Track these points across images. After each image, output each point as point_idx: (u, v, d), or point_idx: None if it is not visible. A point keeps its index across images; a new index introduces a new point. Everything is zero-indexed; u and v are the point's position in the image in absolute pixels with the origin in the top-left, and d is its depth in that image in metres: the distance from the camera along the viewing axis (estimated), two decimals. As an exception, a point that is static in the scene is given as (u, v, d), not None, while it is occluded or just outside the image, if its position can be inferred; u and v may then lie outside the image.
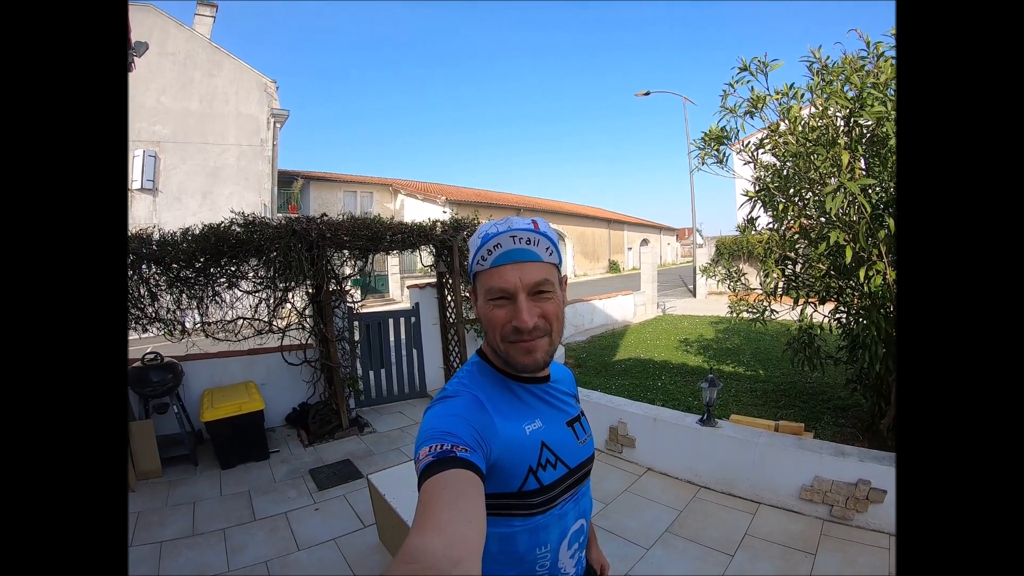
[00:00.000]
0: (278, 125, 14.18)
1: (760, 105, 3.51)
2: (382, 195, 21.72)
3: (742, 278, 4.67)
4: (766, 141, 3.63)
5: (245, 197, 13.26)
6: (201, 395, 4.43)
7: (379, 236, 4.88)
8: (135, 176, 12.51)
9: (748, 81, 3.51)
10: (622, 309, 10.70)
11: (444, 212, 16.75)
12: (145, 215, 12.42)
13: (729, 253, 13.94)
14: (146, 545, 2.94)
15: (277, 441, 4.57)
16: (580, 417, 1.00)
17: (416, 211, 19.62)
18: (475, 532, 0.60)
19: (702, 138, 3.98)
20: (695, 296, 14.99)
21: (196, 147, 13.19)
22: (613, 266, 30.42)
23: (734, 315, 4.57)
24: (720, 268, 4.92)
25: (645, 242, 36.22)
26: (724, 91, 3.64)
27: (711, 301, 13.37)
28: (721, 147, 3.93)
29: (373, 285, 17.94)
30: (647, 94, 18.04)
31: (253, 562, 2.79)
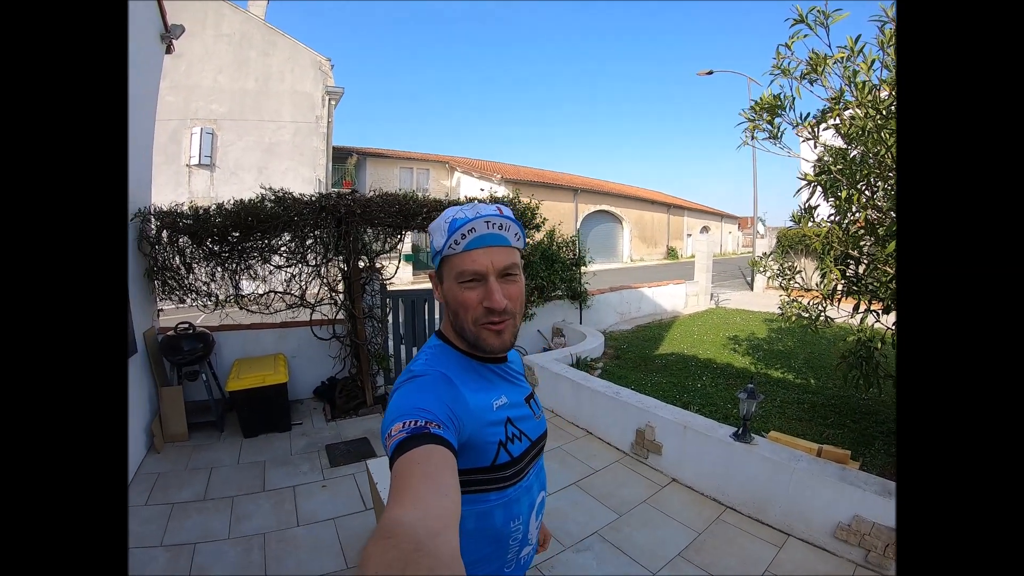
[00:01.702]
0: (333, 102, 14.45)
1: (820, 68, 2.94)
2: (438, 172, 21.84)
3: (797, 275, 4.18)
4: (828, 114, 3.08)
5: (300, 172, 13.72)
6: (232, 364, 4.58)
7: (413, 213, 4.80)
8: (193, 153, 13.12)
9: (805, 35, 2.95)
10: (672, 299, 10.25)
11: (494, 190, 16.69)
12: (203, 189, 13.12)
13: (789, 246, 12.71)
14: (159, 505, 3.08)
15: (303, 413, 4.67)
16: (533, 394, 1.06)
17: (472, 188, 19.57)
18: (451, 505, 0.61)
19: (752, 107, 3.40)
20: (752, 289, 14.19)
21: (252, 124, 13.66)
22: (671, 252, 29.38)
23: (785, 316, 4.14)
24: (772, 262, 4.44)
25: (705, 229, 34.73)
26: (778, 52, 3.08)
27: (768, 296, 12.55)
28: (775, 119, 3.33)
29: (425, 261, 18.15)
30: (710, 73, 17.09)
31: (253, 532, 2.85)
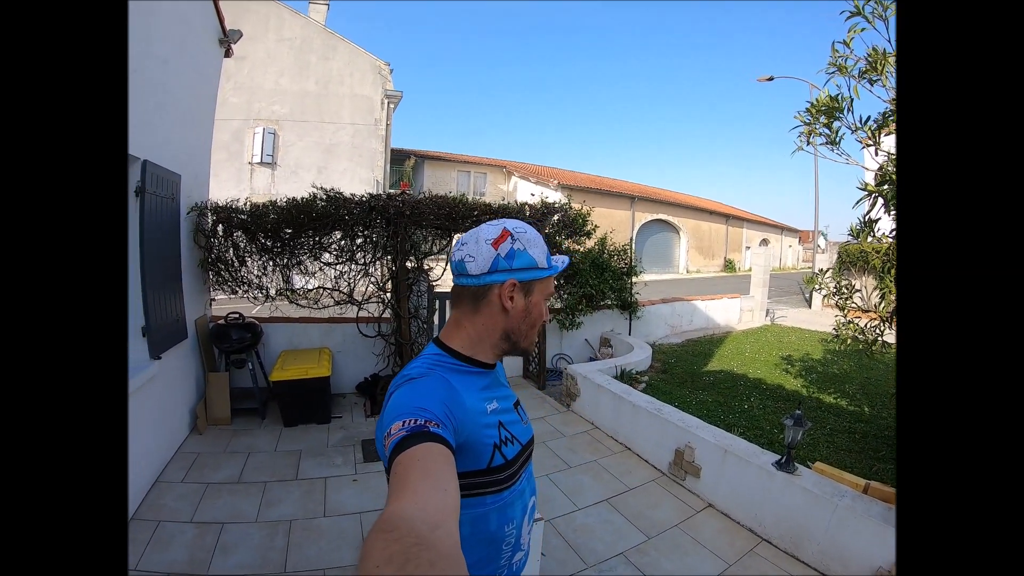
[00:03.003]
0: (392, 106, 14.79)
1: (881, 66, 2.73)
2: (495, 176, 22.00)
3: (855, 294, 3.92)
4: (890, 117, 2.85)
5: (358, 173, 14.14)
6: (278, 355, 4.73)
7: (462, 216, 4.84)
8: (255, 151, 13.76)
9: (863, 29, 2.76)
10: (726, 313, 9.89)
11: (546, 196, 16.39)
12: (264, 186, 13.72)
13: (850, 262, 12.00)
14: (195, 483, 3.22)
15: (344, 407, 4.76)
16: (519, 401, 1.10)
17: (529, 192, 19.53)
18: (451, 500, 0.62)
19: (807, 109, 3.19)
20: (810, 307, 13.45)
21: (312, 125, 14.16)
22: (729, 265, 28.31)
23: (839, 337, 3.91)
24: (828, 280, 4.14)
25: (765, 242, 33.31)
26: (834, 48, 2.87)
27: (826, 314, 11.77)
28: (833, 122, 3.11)
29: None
30: (770, 79, 16.34)
31: (279, 518, 2.92)
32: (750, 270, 28.89)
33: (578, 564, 2.64)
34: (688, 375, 6.23)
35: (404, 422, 0.73)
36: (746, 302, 10.43)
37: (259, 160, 13.79)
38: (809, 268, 32.18)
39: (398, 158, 17.72)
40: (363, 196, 4.50)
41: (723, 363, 6.93)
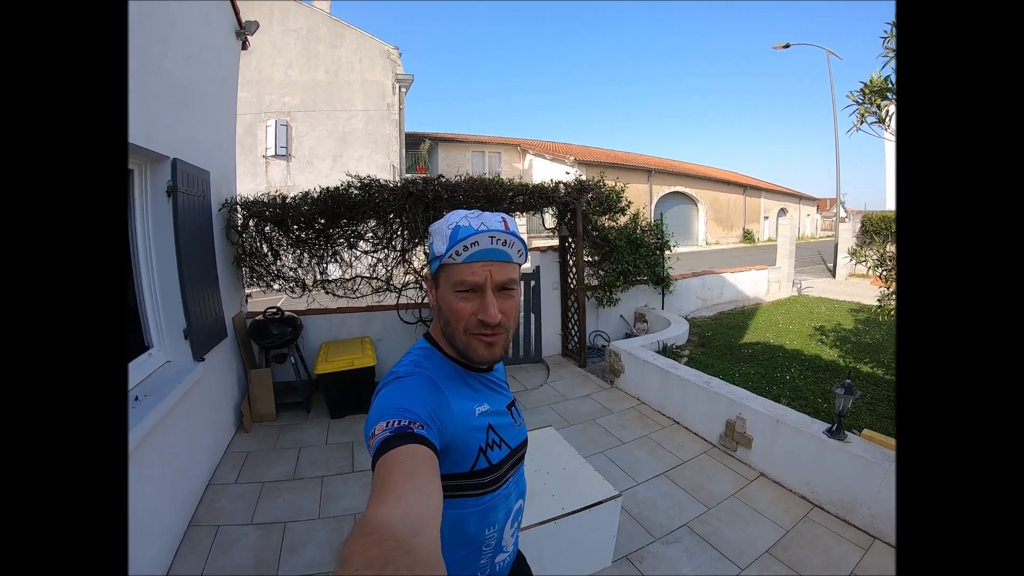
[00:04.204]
0: (403, 89, 14.58)
1: None
2: (510, 155, 21.72)
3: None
4: None
5: (374, 159, 13.99)
6: (319, 347, 4.69)
7: (498, 197, 4.75)
8: (269, 144, 13.65)
9: None
10: (755, 285, 9.75)
11: (567, 173, 16.45)
12: (280, 179, 13.65)
13: (875, 230, 11.87)
14: (249, 484, 3.17)
15: (388, 396, 4.72)
16: (515, 402, 1.06)
17: (544, 171, 19.43)
18: (432, 504, 0.61)
19: (861, 90, 3.18)
20: (834, 276, 13.21)
21: (325, 114, 14.00)
22: (747, 235, 27.94)
23: (883, 309, 3.95)
24: (871, 252, 4.12)
25: (783, 211, 32.80)
26: (886, 30, 2.81)
27: (852, 284, 11.75)
28: (883, 102, 3.12)
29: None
30: (787, 47, 16.12)
31: (343, 513, 2.88)
32: (770, 241, 28.70)
33: (646, 537, 2.69)
34: (727, 348, 6.20)
35: (388, 423, 0.72)
36: (773, 273, 10.26)
37: (273, 153, 13.71)
38: (829, 237, 31.73)
39: (413, 142, 17.55)
40: (398, 182, 4.41)
41: (758, 335, 6.87)
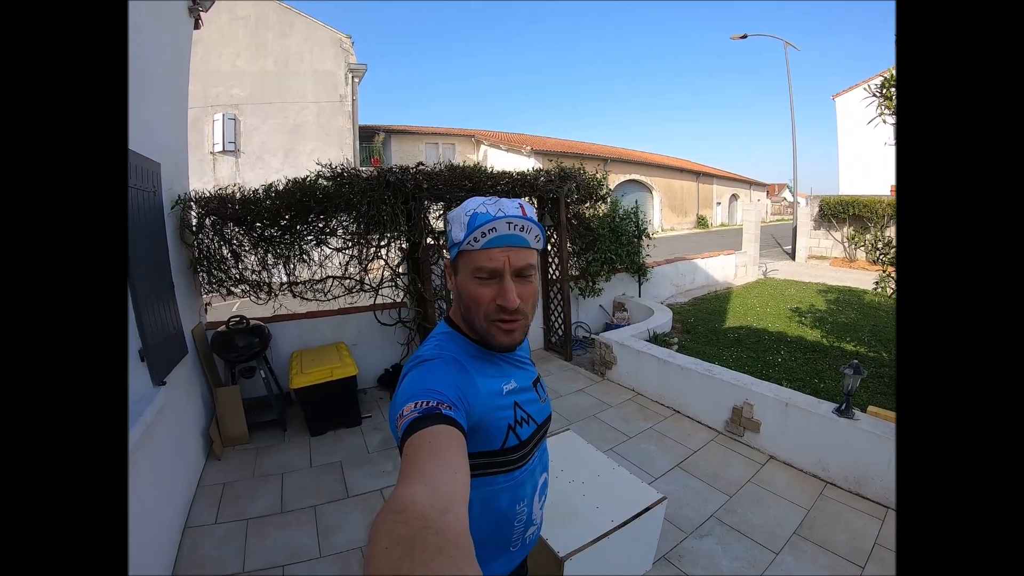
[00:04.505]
0: (356, 80, 13.96)
1: None
2: (464, 146, 21.16)
3: (892, 249, 4.12)
4: None
5: (327, 153, 13.15)
6: (290, 357, 4.25)
7: (480, 187, 4.47)
8: (216, 139, 12.75)
9: None
10: (723, 269, 9.87)
11: (529, 158, 16.27)
12: (228, 175, 12.67)
13: (832, 214, 12.39)
14: (233, 522, 2.73)
15: (369, 404, 4.36)
16: (540, 378, 1.07)
17: (500, 162, 18.95)
18: (460, 483, 0.61)
19: (882, 84, 3.35)
20: (794, 259, 13.60)
21: (275, 107, 13.24)
22: (701, 221, 28.64)
23: (880, 290, 4.19)
24: (868, 237, 4.46)
25: (735, 197, 33.82)
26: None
27: (813, 266, 12.17)
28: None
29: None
30: (744, 37, 16.39)
31: (348, 547, 2.52)
32: (723, 225, 29.48)
33: (678, 534, 2.63)
34: (711, 333, 6.19)
35: (416, 404, 0.72)
36: (740, 258, 10.41)
37: (221, 148, 12.80)
38: (779, 221, 33.10)
39: (366, 135, 16.84)
40: (373, 171, 4.04)
41: (739, 319, 6.90)
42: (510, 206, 0.87)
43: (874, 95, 3.42)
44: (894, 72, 3.21)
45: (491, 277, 0.85)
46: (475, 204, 0.87)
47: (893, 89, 3.24)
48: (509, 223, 0.83)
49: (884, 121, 3.39)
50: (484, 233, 0.83)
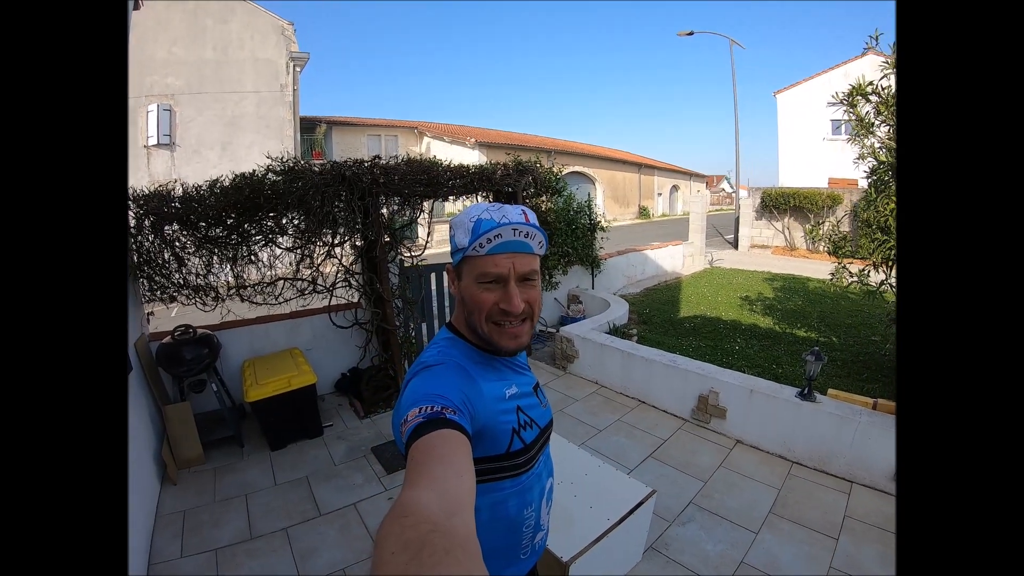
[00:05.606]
0: (298, 69, 13.39)
1: None
2: (407, 138, 20.76)
3: (857, 244, 4.35)
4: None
5: (267, 146, 12.56)
6: (242, 367, 3.97)
7: (438, 181, 4.31)
8: (151, 132, 11.99)
9: None
10: (672, 260, 10.11)
11: (473, 150, 16.08)
12: (163, 171, 11.93)
13: (774, 205, 13.10)
14: (200, 554, 2.49)
15: (328, 412, 4.15)
16: (539, 384, 1.07)
17: (443, 154, 18.61)
18: (466, 486, 0.61)
19: (850, 92, 3.56)
20: (736, 248, 14.25)
21: (213, 97, 12.54)
22: (643, 212, 29.42)
23: (835, 282, 4.43)
24: (829, 232, 4.84)
25: (675, 188, 34.90)
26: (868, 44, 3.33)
27: (755, 255, 12.82)
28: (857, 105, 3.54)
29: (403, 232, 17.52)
30: (691, 34, 17.01)
31: (329, 569, 2.38)
32: (663, 215, 30.40)
33: (661, 523, 2.67)
34: (668, 323, 6.31)
35: (420, 409, 0.72)
36: (687, 248, 10.71)
37: (156, 142, 11.98)
38: (718, 211, 34.48)
39: (308, 127, 16.16)
40: (327, 164, 3.82)
41: (692, 309, 7.08)
42: (514, 213, 0.87)
43: (841, 102, 3.62)
44: (863, 80, 3.41)
45: (496, 282, 0.86)
46: (479, 210, 0.88)
47: (860, 97, 3.43)
48: (514, 230, 0.84)
49: (853, 127, 3.61)
50: (489, 239, 0.84)
